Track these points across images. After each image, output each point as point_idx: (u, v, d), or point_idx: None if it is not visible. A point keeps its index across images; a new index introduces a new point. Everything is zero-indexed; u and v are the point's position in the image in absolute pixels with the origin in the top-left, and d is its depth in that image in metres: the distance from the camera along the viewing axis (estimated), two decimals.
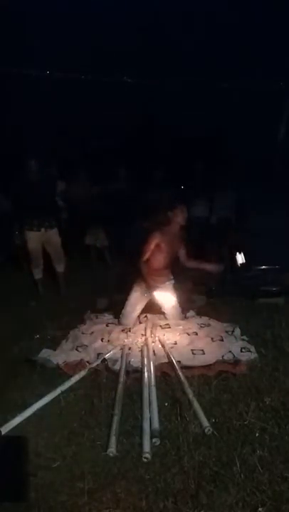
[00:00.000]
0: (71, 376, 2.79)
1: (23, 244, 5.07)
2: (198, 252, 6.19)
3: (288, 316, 3.98)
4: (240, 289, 4.81)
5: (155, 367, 2.92)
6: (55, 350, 3.26)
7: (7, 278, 5.52)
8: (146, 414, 2.29)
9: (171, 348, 3.26)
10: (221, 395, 2.56)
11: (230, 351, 3.13)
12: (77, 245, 6.23)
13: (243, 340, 3.41)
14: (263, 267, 5.09)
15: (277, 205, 5.93)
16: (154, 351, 3.19)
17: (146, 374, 2.77)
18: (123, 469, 1.91)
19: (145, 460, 1.95)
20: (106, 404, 2.46)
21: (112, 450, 2.02)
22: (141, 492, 1.77)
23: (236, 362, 2.99)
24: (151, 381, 2.66)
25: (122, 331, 3.73)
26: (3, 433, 2.09)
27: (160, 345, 3.35)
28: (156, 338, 3.51)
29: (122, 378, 2.74)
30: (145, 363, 2.95)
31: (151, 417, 2.26)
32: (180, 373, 2.78)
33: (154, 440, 2.08)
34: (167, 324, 3.87)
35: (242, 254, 4.46)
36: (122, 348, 3.27)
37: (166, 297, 4.05)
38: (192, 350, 3.21)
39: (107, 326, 3.88)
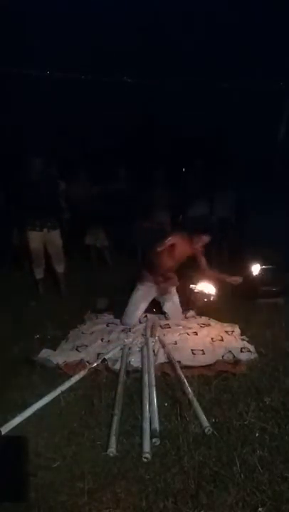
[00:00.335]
0: (71, 376, 2.78)
1: (25, 244, 5.08)
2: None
3: (288, 316, 3.98)
4: (240, 289, 4.81)
5: (155, 367, 2.92)
6: (55, 350, 3.26)
7: (7, 278, 5.52)
8: (146, 414, 2.29)
9: (171, 348, 3.26)
10: (221, 395, 2.56)
11: (230, 351, 3.14)
12: (77, 245, 6.23)
13: (243, 340, 3.42)
14: (263, 266, 5.10)
15: (277, 205, 5.94)
16: (154, 351, 3.19)
17: (146, 374, 2.77)
18: (123, 469, 1.91)
19: (145, 460, 1.95)
20: (106, 404, 2.46)
21: (112, 450, 2.02)
22: (141, 492, 1.77)
23: (236, 362, 2.99)
24: (151, 381, 2.66)
25: (122, 331, 3.73)
26: (3, 433, 2.09)
27: (160, 345, 3.35)
28: (156, 338, 3.50)
29: (122, 378, 2.74)
30: (145, 363, 2.95)
31: (151, 417, 2.26)
32: (180, 373, 2.78)
33: (154, 440, 2.08)
34: (167, 324, 3.88)
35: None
36: (122, 348, 3.27)
37: (169, 296, 4.06)
38: (192, 350, 3.21)
39: (107, 326, 3.88)
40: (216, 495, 1.73)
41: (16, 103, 8.21)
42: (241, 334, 3.57)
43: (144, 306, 4.01)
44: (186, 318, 4.11)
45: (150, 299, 4.06)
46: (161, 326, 3.83)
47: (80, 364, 3.00)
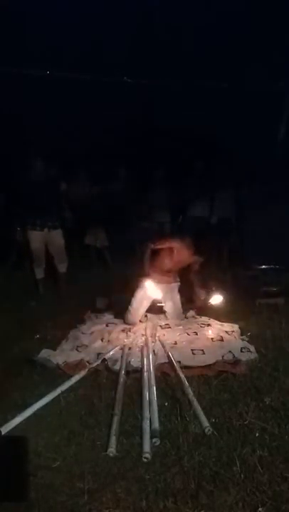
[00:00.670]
0: (71, 376, 2.78)
1: (26, 243, 5.10)
2: (198, 252, 6.21)
3: (288, 316, 3.98)
4: (240, 289, 4.82)
5: (155, 367, 2.92)
6: (55, 350, 3.26)
7: (7, 278, 5.53)
8: (146, 414, 2.28)
9: (171, 348, 3.26)
10: (221, 395, 2.56)
11: (230, 351, 3.13)
12: (77, 245, 6.24)
13: (243, 340, 3.42)
14: (263, 267, 5.11)
15: (277, 205, 5.94)
16: (154, 351, 3.19)
17: (146, 374, 2.77)
18: (123, 469, 1.91)
19: (145, 460, 1.95)
20: (106, 404, 2.46)
21: (112, 450, 2.02)
22: (141, 492, 1.76)
23: (236, 362, 2.99)
24: (151, 381, 2.66)
25: (122, 331, 3.73)
26: (3, 433, 2.09)
27: (160, 345, 3.34)
28: (156, 338, 3.51)
29: (122, 378, 2.74)
30: (145, 363, 2.95)
31: (151, 417, 2.26)
32: (180, 373, 2.78)
33: (154, 440, 2.08)
34: (167, 324, 3.88)
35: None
36: (122, 348, 3.27)
37: (169, 296, 4.06)
38: (192, 350, 3.21)
39: (107, 326, 3.88)
40: (216, 495, 1.73)
41: (16, 103, 8.22)
42: (241, 334, 3.57)
43: (146, 304, 4.02)
44: (186, 318, 4.11)
45: (153, 297, 4.06)
46: (161, 326, 3.83)
47: (80, 364, 3.00)
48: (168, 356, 3.10)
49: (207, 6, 8.21)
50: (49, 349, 3.23)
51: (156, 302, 4.07)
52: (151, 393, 2.51)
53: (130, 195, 6.49)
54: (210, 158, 7.24)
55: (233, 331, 3.60)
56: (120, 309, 4.09)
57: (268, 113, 8.21)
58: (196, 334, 3.59)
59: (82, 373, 2.83)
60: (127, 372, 2.86)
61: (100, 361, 3.03)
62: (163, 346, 3.31)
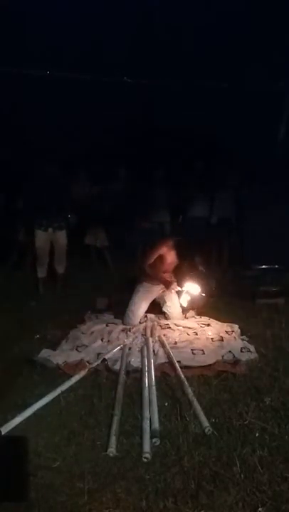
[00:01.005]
0: (71, 376, 2.78)
1: (29, 242, 5.14)
2: (197, 252, 6.21)
3: (288, 316, 3.98)
4: (240, 289, 4.82)
5: (155, 367, 2.92)
6: (55, 350, 3.25)
7: (7, 278, 5.53)
8: (146, 414, 2.28)
9: (171, 348, 3.26)
10: (221, 395, 2.57)
11: (230, 351, 3.14)
12: (78, 245, 6.23)
13: (243, 340, 3.42)
14: (263, 267, 5.11)
15: (277, 205, 5.94)
16: (154, 351, 3.19)
17: (146, 374, 2.77)
18: (123, 469, 1.91)
19: (145, 460, 1.95)
20: (106, 404, 2.46)
21: (112, 450, 2.02)
22: (141, 492, 1.76)
23: (236, 362, 2.99)
24: (151, 381, 2.66)
25: (122, 330, 3.73)
26: (3, 433, 2.09)
27: (160, 345, 3.35)
28: (156, 338, 3.51)
29: (122, 378, 2.74)
30: (145, 363, 2.95)
31: (151, 417, 2.26)
32: (180, 373, 2.78)
33: (154, 440, 2.08)
34: (167, 324, 3.88)
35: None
36: (122, 348, 3.27)
37: (169, 297, 4.06)
38: (192, 350, 3.21)
39: (107, 326, 3.88)
40: (216, 495, 1.73)
41: (16, 103, 8.22)
42: (241, 334, 3.57)
43: (145, 305, 4.02)
44: (186, 318, 4.11)
45: (152, 298, 4.07)
46: (161, 326, 3.83)
47: (80, 364, 3.00)
48: (168, 356, 3.10)
49: (207, 6, 8.20)
50: (49, 349, 3.23)
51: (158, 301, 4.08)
52: (151, 393, 2.51)
53: (130, 195, 6.48)
54: (210, 158, 7.24)
55: (233, 331, 3.60)
56: (120, 309, 4.08)
57: (268, 113, 8.21)
58: (196, 334, 3.59)
59: (82, 373, 2.83)
60: (127, 372, 2.86)
61: (100, 361, 3.03)
62: (163, 346, 3.31)
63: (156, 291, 4.04)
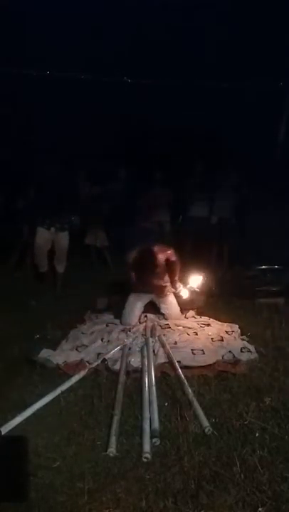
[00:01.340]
0: (71, 376, 2.78)
1: (31, 240, 5.18)
2: (198, 252, 6.22)
3: (288, 316, 3.98)
4: (240, 289, 4.82)
5: (155, 367, 2.91)
6: (55, 350, 3.25)
7: (7, 278, 5.53)
8: (146, 414, 2.28)
9: (171, 348, 3.26)
10: (221, 395, 2.56)
11: (230, 351, 3.13)
12: (78, 245, 6.24)
13: (243, 340, 3.42)
14: (263, 267, 5.11)
15: (277, 205, 5.94)
16: (154, 351, 3.19)
17: (146, 374, 2.76)
18: (123, 469, 1.91)
19: (145, 460, 1.95)
20: (106, 404, 2.46)
21: (112, 450, 2.02)
22: (141, 492, 1.76)
23: (236, 362, 2.99)
24: (151, 381, 2.66)
25: (122, 331, 3.73)
26: (3, 433, 2.09)
27: (160, 345, 3.34)
28: (156, 338, 3.50)
29: (122, 378, 2.74)
30: (145, 363, 2.95)
31: (151, 417, 2.26)
32: (180, 373, 2.78)
33: (154, 440, 2.08)
34: (167, 324, 3.88)
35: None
36: (122, 348, 3.27)
37: (164, 299, 4.05)
38: (192, 350, 3.21)
39: (107, 326, 3.88)
40: (216, 495, 1.73)
41: (16, 103, 8.23)
42: (241, 334, 3.57)
43: (140, 305, 4.02)
44: (186, 318, 4.11)
45: (147, 298, 4.06)
46: (161, 326, 3.83)
47: (80, 364, 3.00)
48: (168, 356, 3.10)
49: (207, 6, 8.21)
50: (49, 349, 3.23)
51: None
52: (151, 393, 2.50)
53: (130, 195, 6.49)
54: (210, 158, 7.24)
55: (233, 331, 3.60)
56: (120, 309, 4.08)
57: (268, 113, 8.21)
58: (196, 334, 3.59)
59: (82, 373, 2.83)
60: (127, 372, 2.86)
61: (100, 361, 3.02)
62: (163, 346, 3.31)
63: (148, 294, 4.04)
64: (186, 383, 2.62)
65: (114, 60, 8.63)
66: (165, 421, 2.27)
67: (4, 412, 2.32)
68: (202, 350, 3.20)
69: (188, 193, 6.79)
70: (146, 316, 4.07)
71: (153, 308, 4.13)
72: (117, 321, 4.00)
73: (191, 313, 4.21)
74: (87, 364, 2.99)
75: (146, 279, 3.82)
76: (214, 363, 2.97)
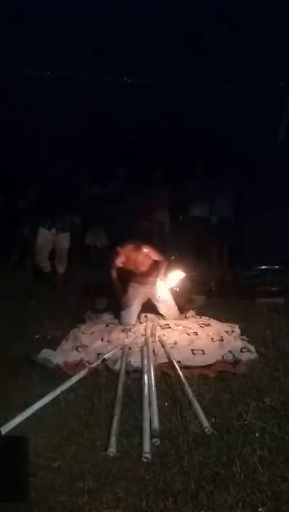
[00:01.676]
0: (71, 376, 2.78)
1: (32, 240, 5.18)
2: (198, 252, 6.22)
3: (288, 316, 3.98)
4: (240, 289, 4.82)
5: (155, 367, 2.91)
6: (55, 350, 3.26)
7: (7, 278, 5.53)
8: (146, 414, 2.28)
9: (171, 348, 3.26)
10: (221, 395, 2.56)
11: (230, 351, 3.14)
12: (78, 245, 6.24)
13: (243, 340, 3.42)
14: (263, 267, 5.11)
15: (277, 205, 5.94)
16: (154, 351, 3.19)
17: (146, 374, 2.76)
18: (123, 469, 1.90)
19: (145, 460, 1.95)
20: (106, 404, 2.46)
21: (112, 450, 2.02)
22: (141, 492, 1.76)
23: (236, 362, 2.99)
24: (151, 381, 2.66)
25: (122, 331, 3.73)
26: (3, 433, 2.09)
27: (160, 345, 3.34)
28: (156, 338, 3.50)
29: (122, 378, 2.74)
30: (145, 363, 2.95)
31: (151, 417, 2.26)
32: (180, 373, 2.78)
33: (154, 440, 2.08)
34: (167, 324, 3.88)
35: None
36: (122, 348, 3.27)
37: (162, 297, 4.05)
38: (192, 350, 3.21)
39: (107, 326, 3.88)
40: (216, 495, 1.73)
41: (16, 104, 8.24)
42: (241, 334, 3.57)
43: (137, 304, 4.02)
44: (186, 318, 4.11)
45: (144, 297, 4.06)
46: (161, 326, 3.83)
47: (80, 364, 3.00)
48: (168, 356, 3.10)
49: (207, 6, 8.21)
50: (49, 349, 3.23)
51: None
52: (151, 393, 2.50)
53: (130, 195, 6.48)
54: (210, 157, 7.25)
55: (233, 331, 3.60)
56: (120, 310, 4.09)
57: (268, 113, 8.21)
58: (196, 334, 3.59)
59: (82, 373, 2.83)
60: (127, 372, 2.86)
61: (100, 361, 3.03)
62: (163, 346, 3.31)
63: (145, 290, 4.03)
64: (186, 383, 2.62)
65: (114, 60, 8.63)
66: (165, 421, 2.27)
67: (4, 412, 2.32)
68: (202, 350, 3.20)
69: (188, 193, 6.79)
70: (146, 316, 4.07)
71: (153, 308, 4.13)
72: (117, 321, 4.00)
73: (191, 313, 4.21)
74: (87, 364, 2.99)
75: (133, 277, 3.97)
76: (214, 363, 2.97)
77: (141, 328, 3.80)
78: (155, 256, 3.92)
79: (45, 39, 8.20)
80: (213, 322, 3.90)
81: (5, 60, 7.62)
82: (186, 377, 2.72)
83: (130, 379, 2.78)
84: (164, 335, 3.59)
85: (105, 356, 3.10)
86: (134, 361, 3.04)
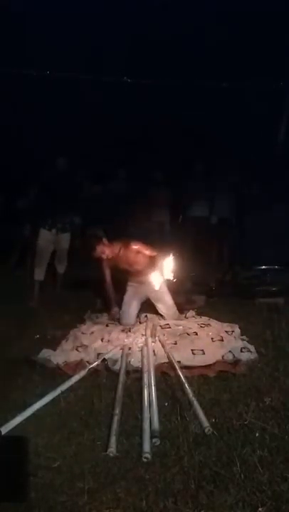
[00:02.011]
0: (71, 376, 2.78)
1: (33, 240, 5.16)
2: (198, 252, 6.22)
3: (288, 316, 3.98)
4: (240, 289, 4.82)
5: (155, 367, 2.91)
6: (55, 350, 3.26)
7: (7, 278, 5.53)
8: (146, 414, 2.28)
9: (171, 348, 3.26)
10: (221, 395, 2.56)
11: (230, 351, 3.13)
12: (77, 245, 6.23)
13: (243, 340, 3.41)
14: (263, 267, 5.11)
15: (277, 205, 5.94)
16: (154, 351, 3.19)
17: (146, 374, 2.76)
18: (123, 469, 1.91)
19: (145, 460, 1.95)
20: (106, 404, 2.46)
21: (112, 450, 2.02)
22: (141, 492, 1.76)
23: (236, 362, 2.99)
24: (151, 381, 2.66)
25: (122, 331, 3.73)
26: (3, 433, 2.09)
27: (160, 345, 3.34)
28: (156, 338, 3.50)
29: (122, 378, 2.74)
30: (145, 363, 2.95)
31: (151, 417, 2.26)
32: (180, 373, 2.78)
33: (154, 440, 2.08)
34: (167, 324, 3.87)
35: None
36: (122, 348, 3.27)
37: (159, 297, 4.04)
38: (192, 350, 3.20)
39: (107, 326, 3.88)
40: (216, 495, 1.73)
41: (16, 104, 8.24)
42: (241, 334, 3.57)
43: (136, 303, 4.01)
44: (186, 318, 4.11)
45: (142, 296, 4.06)
46: (161, 326, 3.82)
47: (80, 364, 3.00)
48: (168, 356, 3.10)
49: (207, 6, 8.21)
50: (49, 349, 3.23)
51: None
52: (151, 393, 2.50)
53: (130, 195, 6.48)
54: (210, 157, 7.25)
55: (233, 331, 3.60)
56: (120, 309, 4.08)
57: (268, 113, 8.22)
58: (196, 334, 3.59)
59: (82, 373, 2.83)
60: (127, 372, 2.86)
61: (99, 361, 3.03)
62: (163, 346, 3.31)
63: (143, 288, 4.02)
64: (186, 383, 2.62)
65: (114, 60, 8.63)
66: (165, 421, 2.27)
67: (4, 412, 2.32)
68: (202, 350, 3.19)
69: (188, 193, 6.79)
70: (146, 316, 4.07)
71: (153, 308, 4.13)
72: (117, 321, 3.99)
73: (191, 313, 4.21)
74: (87, 364, 2.99)
75: (130, 276, 3.97)
76: (214, 363, 2.97)
77: (141, 328, 3.80)
78: (146, 252, 3.82)
79: (45, 39, 8.20)
80: (213, 322, 3.90)
81: (5, 60, 7.62)
82: (186, 377, 2.72)
83: (130, 379, 2.78)
84: (164, 335, 3.58)
85: (105, 356, 3.10)
86: (134, 361, 3.04)
